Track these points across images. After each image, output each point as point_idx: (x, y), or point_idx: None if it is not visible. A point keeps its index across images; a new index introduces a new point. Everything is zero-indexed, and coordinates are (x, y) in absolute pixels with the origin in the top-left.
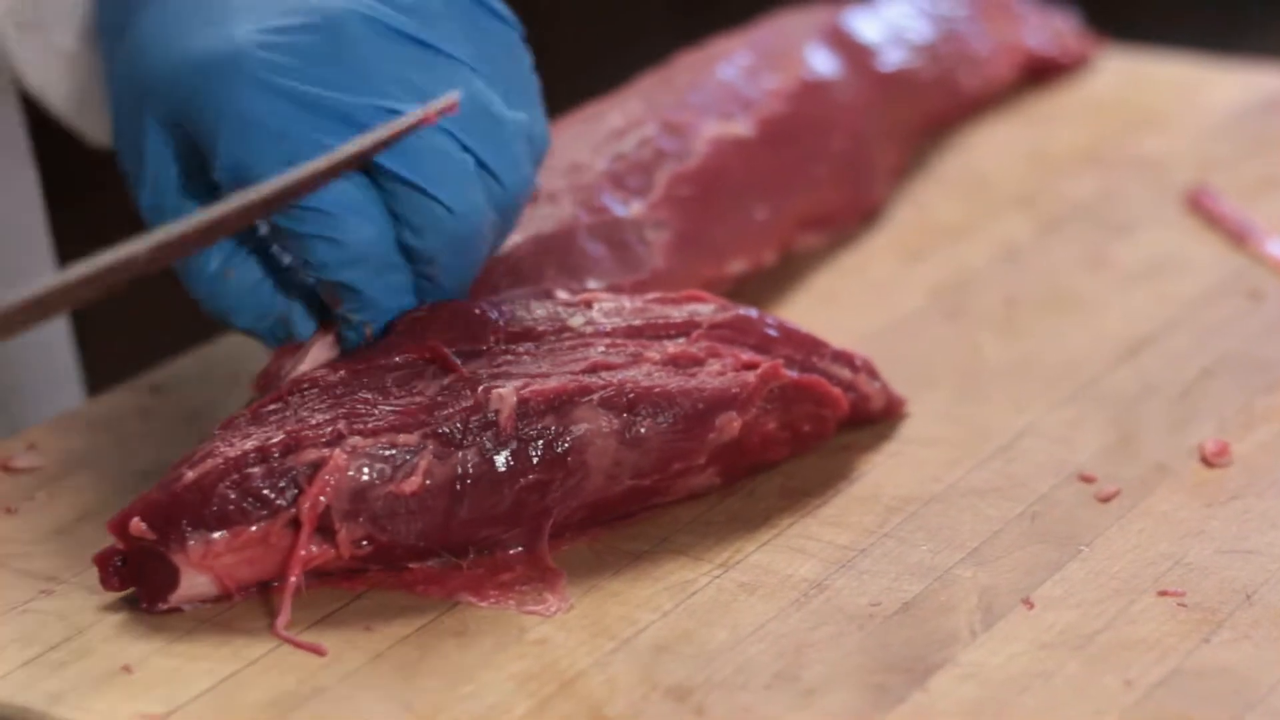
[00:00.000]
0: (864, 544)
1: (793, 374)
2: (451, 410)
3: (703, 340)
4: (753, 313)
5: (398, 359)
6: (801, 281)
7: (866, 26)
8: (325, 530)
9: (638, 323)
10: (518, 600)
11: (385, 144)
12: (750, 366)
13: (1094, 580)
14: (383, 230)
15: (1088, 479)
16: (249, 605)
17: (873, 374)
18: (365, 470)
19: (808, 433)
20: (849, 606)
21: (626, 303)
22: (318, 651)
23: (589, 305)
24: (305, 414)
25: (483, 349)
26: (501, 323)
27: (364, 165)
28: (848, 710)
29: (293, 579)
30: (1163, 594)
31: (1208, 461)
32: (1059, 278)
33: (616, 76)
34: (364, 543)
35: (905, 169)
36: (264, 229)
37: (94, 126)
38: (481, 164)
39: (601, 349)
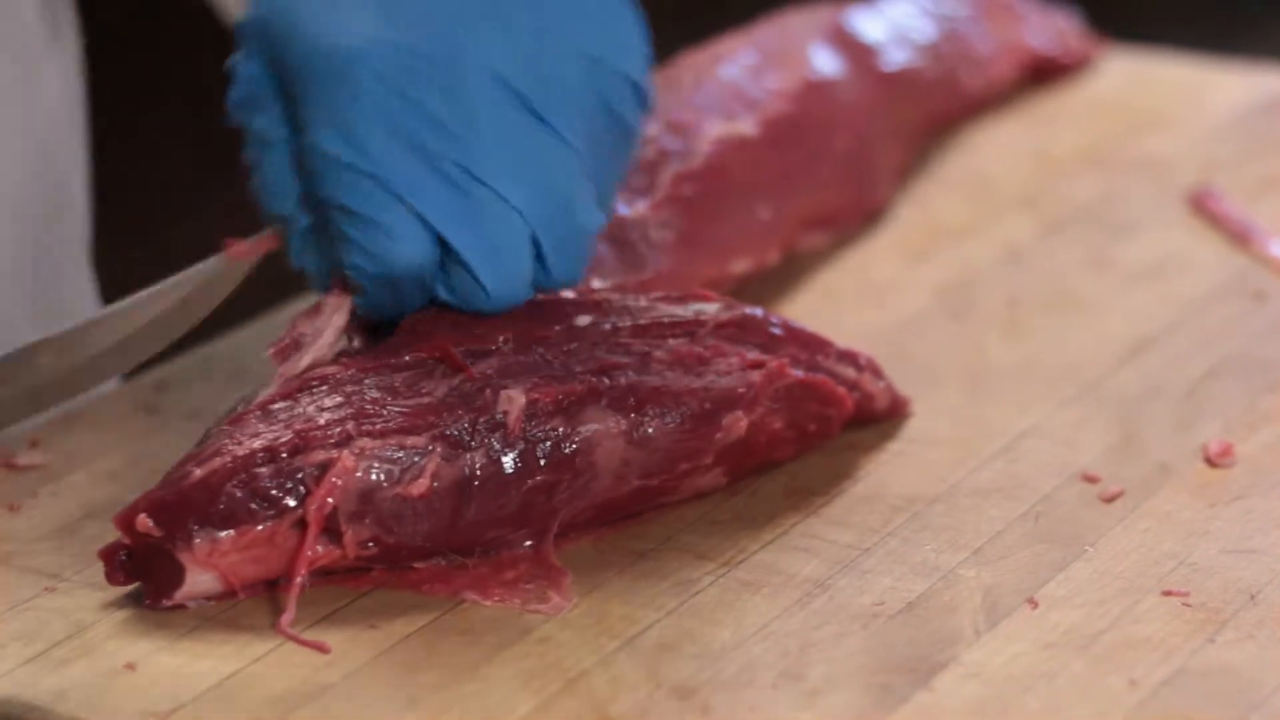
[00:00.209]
0: (868, 543)
1: (799, 373)
2: (460, 411)
3: (708, 339)
4: (758, 312)
5: (407, 358)
6: (805, 281)
7: (870, 26)
8: (332, 531)
9: (644, 322)
10: (522, 598)
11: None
12: (756, 366)
13: (1098, 580)
14: (422, 267)
15: (1092, 479)
16: (253, 602)
17: (877, 373)
18: (373, 472)
19: (813, 432)
20: (853, 606)
21: (632, 302)
22: (322, 649)
23: (595, 305)
24: (314, 413)
25: (491, 349)
26: (509, 323)
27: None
28: (852, 709)
29: (299, 580)
30: (1167, 594)
31: (1212, 462)
32: (1062, 278)
33: None
34: (370, 544)
35: (908, 169)
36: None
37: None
38: (541, 255)
39: (608, 349)
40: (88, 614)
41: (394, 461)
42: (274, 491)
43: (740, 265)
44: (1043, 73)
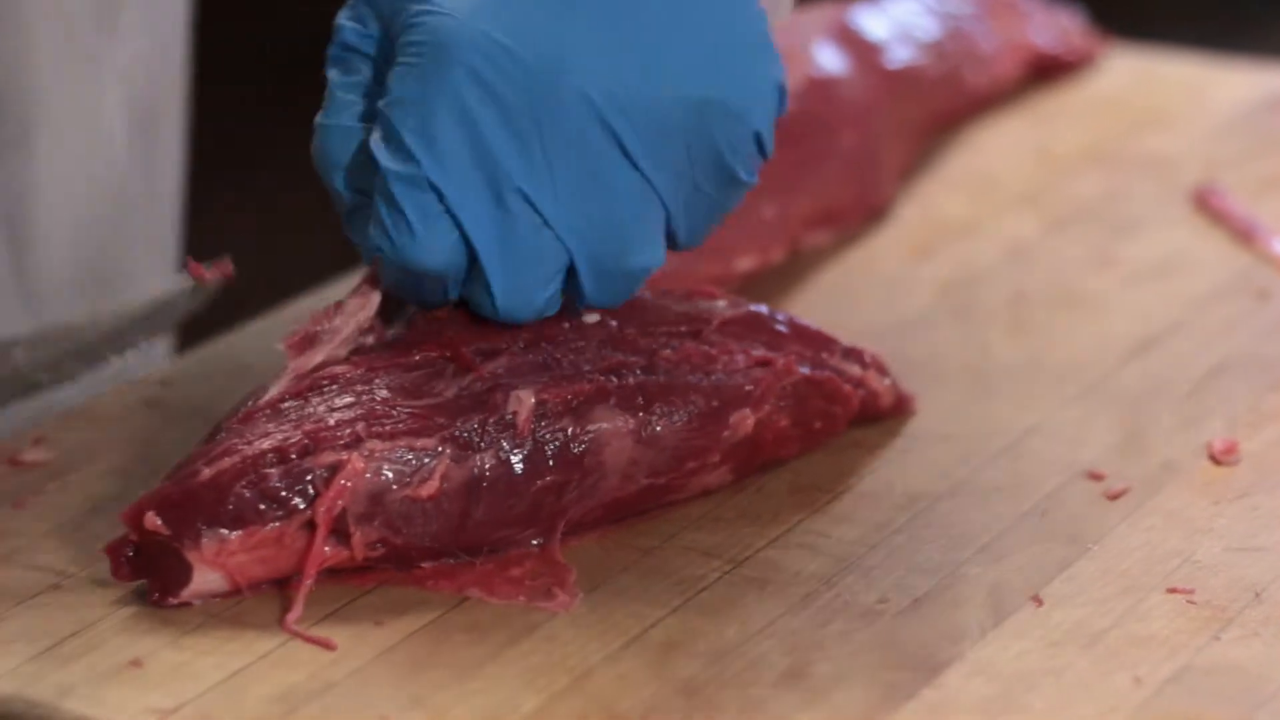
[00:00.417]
0: (873, 540)
1: (805, 371)
2: (470, 412)
3: (714, 337)
4: (763, 309)
5: (417, 357)
6: (809, 279)
7: (873, 24)
8: (340, 532)
9: (650, 320)
10: (527, 596)
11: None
12: (763, 363)
13: (1103, 578)
14: (444, 272)
15: (1096, 477)
16: (258, 599)
17: (883, 371)
18: (382, 474)
19: (818, 429)
20: (858, 603)
21: (638, 299)
22: (327, 646)
23: None
24: (324, 413)
25: (501, 348)
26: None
27: None
28: (858, 707)
29: (308, 582)
30: (1172, 591)
31: (1216, 459)
32: (1066, 276)
33: None
34: (378, 545)
35: (912, 167)
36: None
37: None
38: (579, 282)
39: (616, 347)
40: (93, 610)
41: (403, 463)
42: (283, 493)
43: (745, 263)
44: (1046, 70)
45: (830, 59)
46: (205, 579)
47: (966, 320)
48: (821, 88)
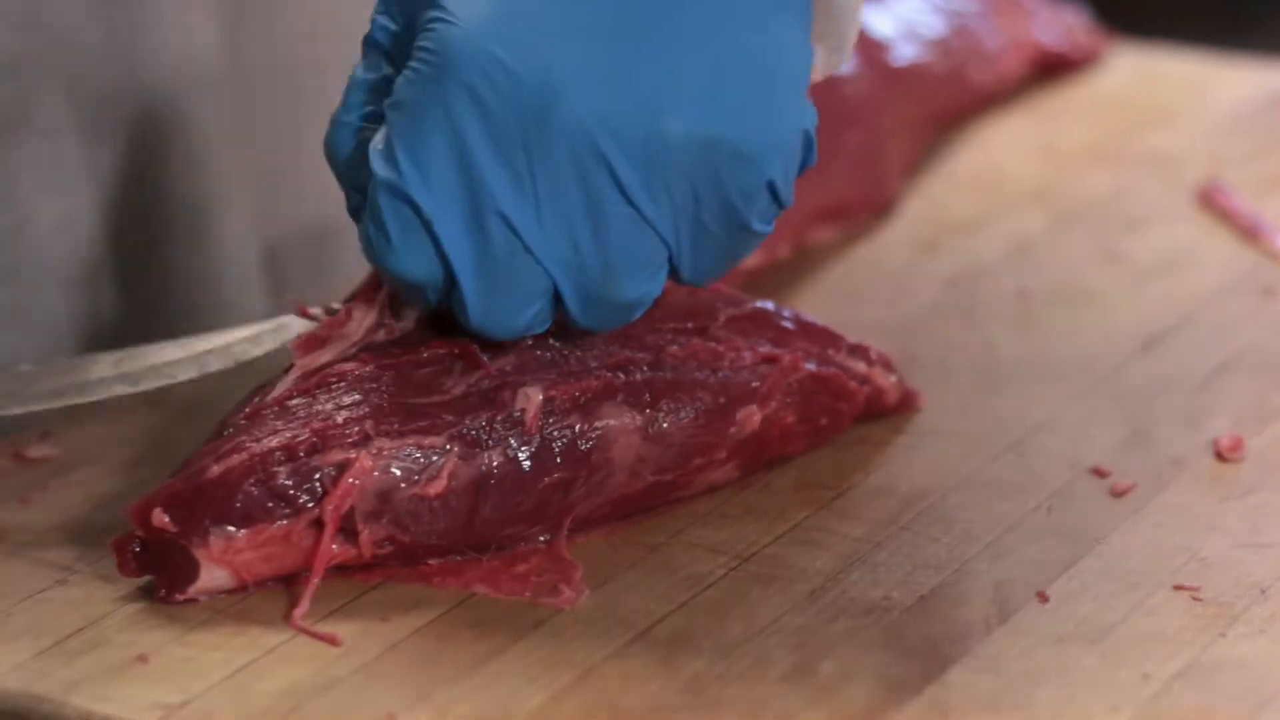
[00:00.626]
0: (879, 537)
1: (811, 367)
2: (478, 410)
3: (720, 333)
4: (769, 306)
5: (425, 354)
6: (815, 275)
7: (879, 21)
8: (348, 530)
9: (656, 315)
10: (533, 592)
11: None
12: (769, 360)
13: (1109, 574)
14: (419, 280)
15: (1102, 473)
16: (264, 595)
17: (888, 367)
18: (390, 473)
19: (824, 426)
20: (864, 600)
21: None
22: (333, 642)
23: None
24: (332, 410)
25: (510, 345)
26: None
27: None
28: (864, 703)
29: (316, 580)
30: (1178, 588)
31: (1222, 456)
32: (1072, 272)
33: None
34: (386, 543)
35: (917, 164)
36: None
37: None
38: (569, 314)
39: (623, 343)
40: (99, 606)
41: (411, 461)
42: (291, 491)
43: (750, 259)
44: (1051, 68)
45: None
46: (212, 576)
47: (972, 317)
48: (826, 85)
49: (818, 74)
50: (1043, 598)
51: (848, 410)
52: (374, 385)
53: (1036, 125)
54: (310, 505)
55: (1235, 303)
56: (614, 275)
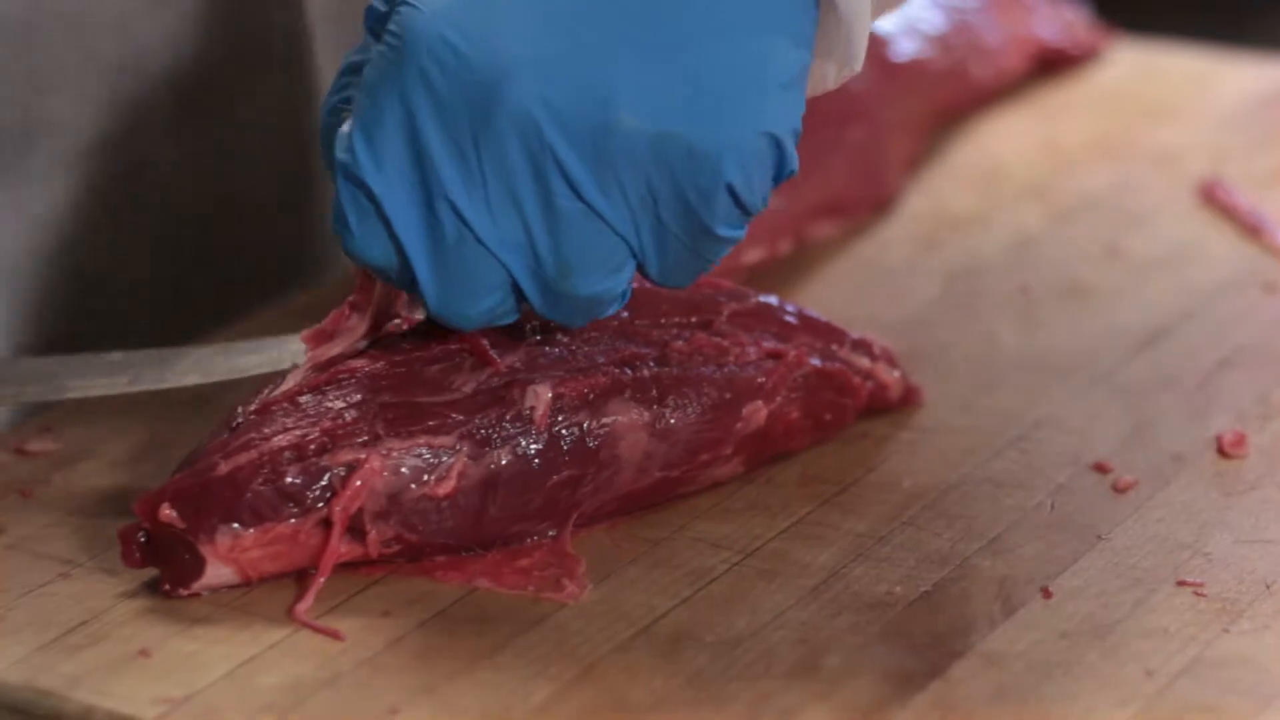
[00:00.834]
0: (882, 532)
1: (816, 362)
2: (487, 407)
3: (725, 328)
4: (773, 301)
5: (435, 350)
6: (816, 271)
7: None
8: (355, 529)
9: (661, 310)
10: (536, 586)
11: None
12: (774, 355)
13: (1112, 570)
14: (378, 265)
15: (1105, 469)
16: (267, 589)
17: (891, 362)
18: (400, 474)
19: (827, 421)
20: (868, 595)
21: (648, 289)
22: (336, 636)
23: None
24: (341, 408)
25: (519, 340)
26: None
27: None
28: (868, 698)
29: (322, 579)
30: (1182, 584)
31: (1225, 452)
32: (1073, 268)
33: None
34: (393, 542)
35: (918, 159)
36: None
37: None
38: (532, 305)
39: (629, 338)
40: (102, 600)
41: (421, 462)
42: (300, 491)
43: (752, 255)
44: (1051, 64)
45: None
46: (217, 572)
47: (974, 312)
48: None
49: (828, 84)
50: (1046, 593)
51: (851, 405)
52: (384, 382)
53: (1037, 121)
54: (319, 505)
55: (1237, 298)
56: (568, 269)
